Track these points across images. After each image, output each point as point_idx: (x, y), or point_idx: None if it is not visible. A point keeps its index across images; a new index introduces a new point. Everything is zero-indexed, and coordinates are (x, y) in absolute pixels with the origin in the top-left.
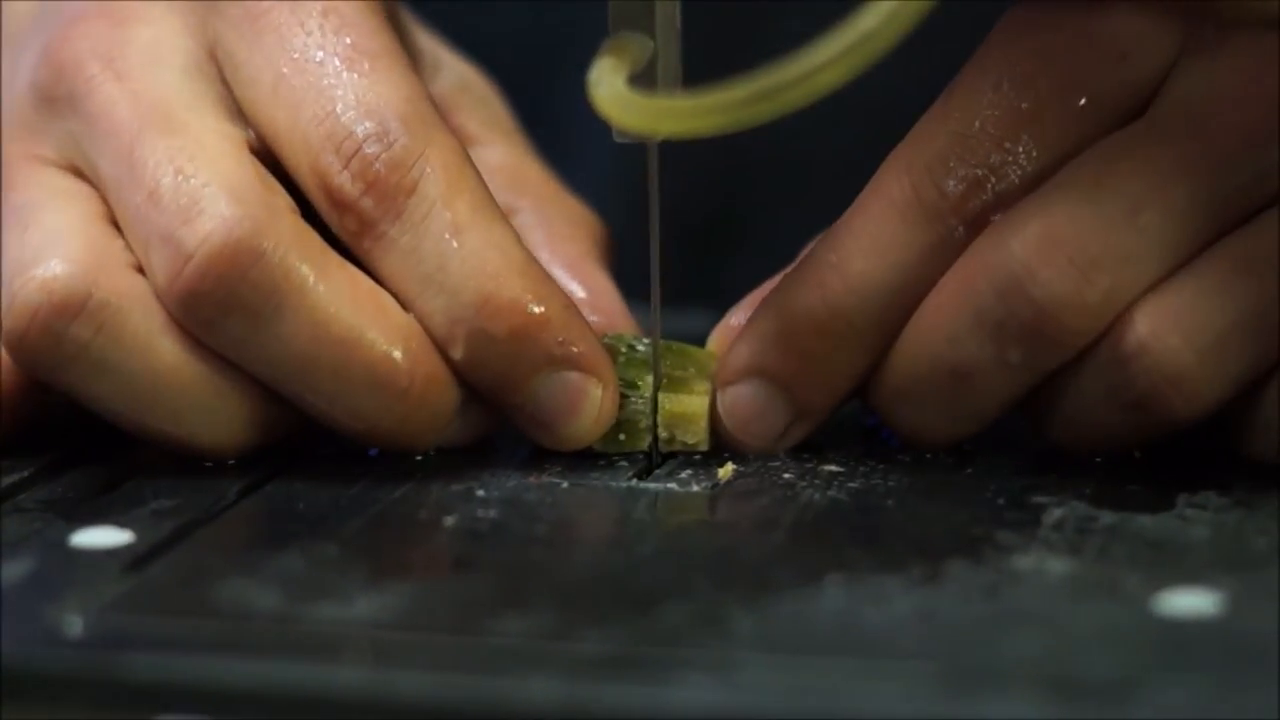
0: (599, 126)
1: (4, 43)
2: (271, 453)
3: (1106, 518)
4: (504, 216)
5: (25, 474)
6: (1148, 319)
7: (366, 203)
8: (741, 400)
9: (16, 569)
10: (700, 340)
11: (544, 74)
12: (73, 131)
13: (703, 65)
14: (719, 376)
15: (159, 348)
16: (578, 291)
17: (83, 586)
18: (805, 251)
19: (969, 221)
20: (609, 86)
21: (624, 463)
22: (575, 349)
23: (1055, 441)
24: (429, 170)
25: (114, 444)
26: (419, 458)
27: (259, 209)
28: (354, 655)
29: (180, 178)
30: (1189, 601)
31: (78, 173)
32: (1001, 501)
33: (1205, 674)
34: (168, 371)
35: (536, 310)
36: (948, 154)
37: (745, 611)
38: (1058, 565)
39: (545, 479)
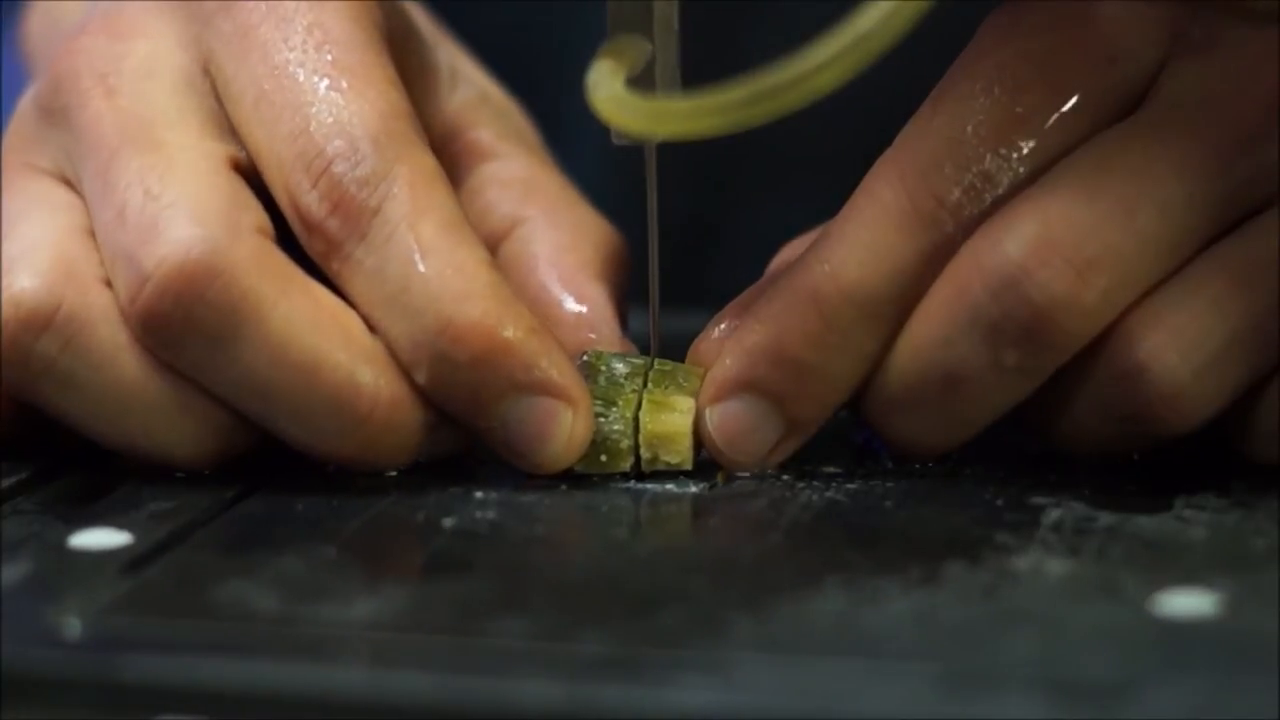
0: (594, 128)
1: (51, 43)
2: (269, 456)
3: (1105, 518)
4: (474, 238)
5: (24, 476)
6: (1145, 337)
7: (332, 223)
8: (731, 416)
9: (15, 571)
10: (684, 342)
11: (539, 75)
12: (64, 144)
13: (700, 67)
14: (706, 393)
15: (124, 362)
16: (571, 305)
17: (81, 588)
18: (780, 256)
19: (964, 227)
20: (607, 88)
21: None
22: (543, 373)
23: (1050, 446)
24: (395, 191)
25: None
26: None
27: (219, 230)
28: (352, 657)
29: (147, 197)
30: (1187, 602)
31: (69, 184)
32: (1000, 502)
33: (1204, 674)
34: (134, 386)
35: (501, 335)
36: (941, 159)
37: (743, 612)
38: (1056, 566)
39: (543, 480)
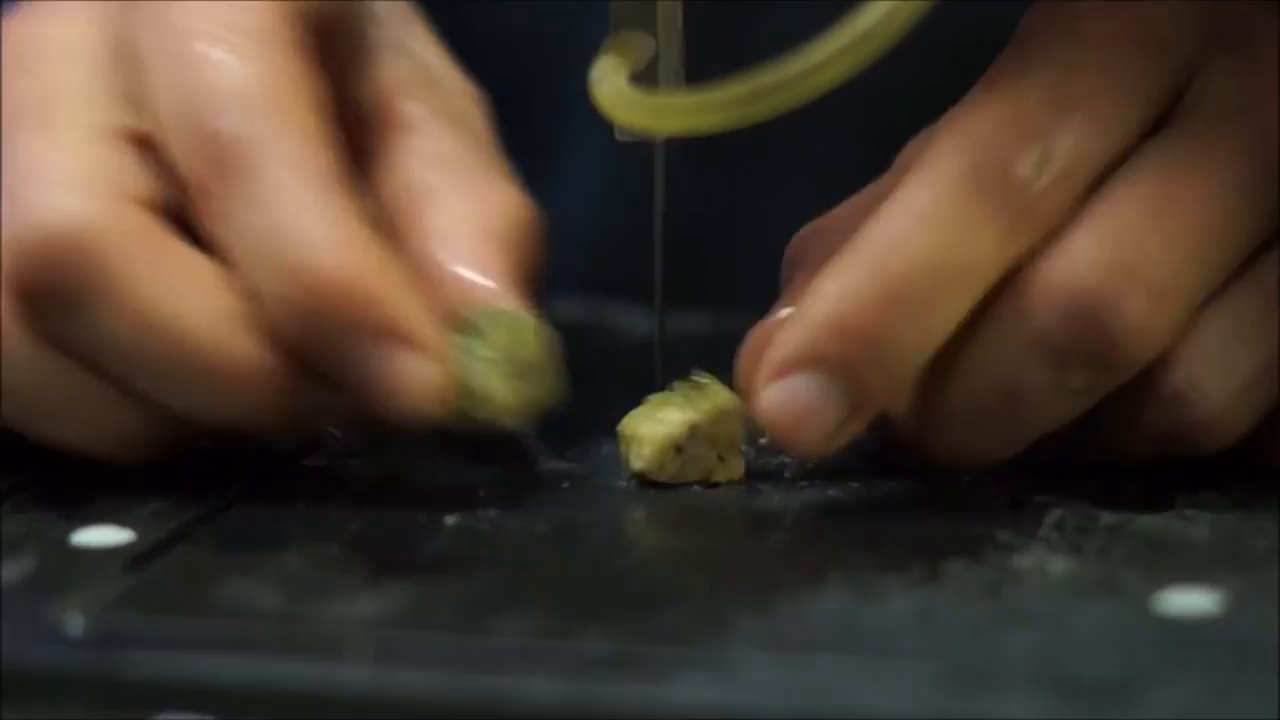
0: (597, 128)
1: None
2: (270, 453)
3: (1107, 517)
4: (350, 197)
5: (26, 473)
6: (1185, 363)
7: (211, 182)
8: (793, 395)
9: (17, 568)
10: (686, 342)
11: (544, 72)
12: None
13: (703, 64)
14: (764, 372)
15: (13, 346)
16: (465, 271)
17: (83, 585)
18: (800, 240)
19: (1030, 199)
20: (611, 84)
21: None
22: (401, 324)
23: (1074, 457)
24: (273, 149)
25: None
26: (418, 454)
27: (94, 200)
28: (355, 654)
29: (28, 170)
30: (1190, 601)
31: None
32: (1002, 500)
33: (1206, 673)
34: (25, 371)
35: (360, 284)
36: (1005, 129)
37: (746, 610)
38: (1058, 564)
39: (545, 479)
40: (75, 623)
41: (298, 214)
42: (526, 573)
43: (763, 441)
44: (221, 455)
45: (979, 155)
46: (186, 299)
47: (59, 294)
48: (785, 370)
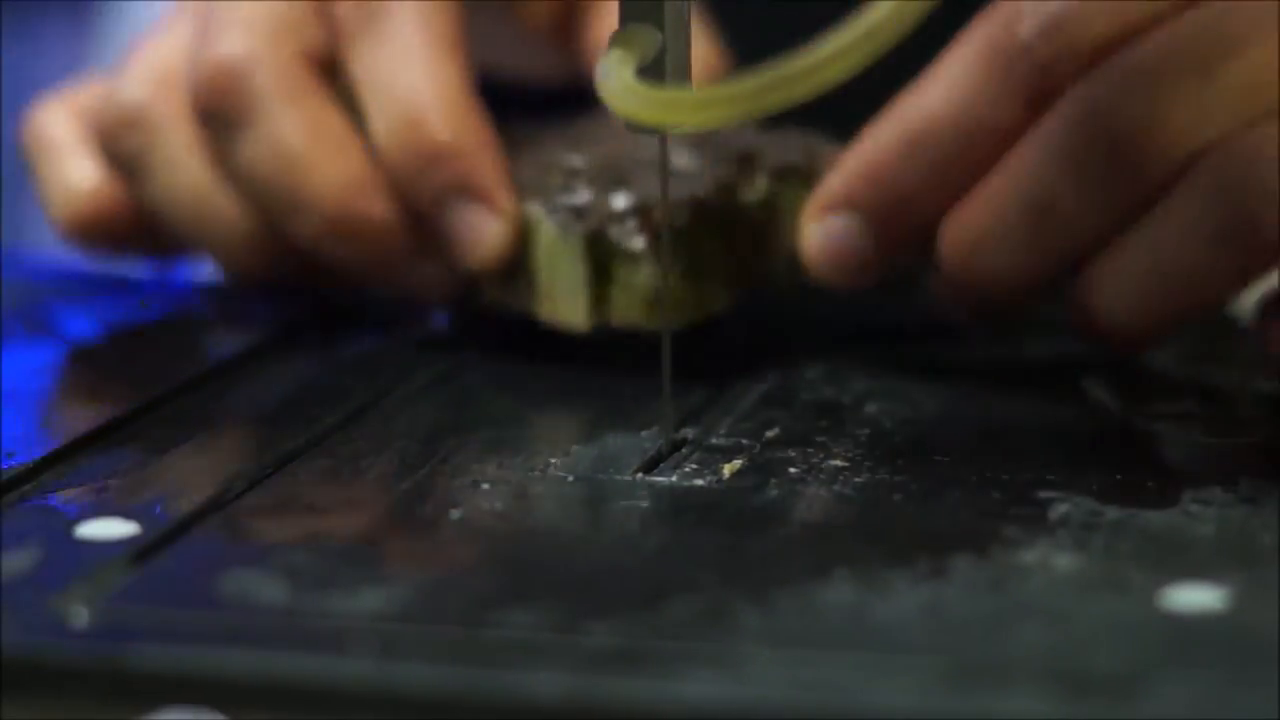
0: None
1: None
2: (273, 446)
3: (1112, 513)
4: (461, 59)
5: (30, 464)
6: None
7: (348, 15)
8: (830, 232)
9: (21, 560)
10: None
11: None
12: None
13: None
14: (807, 212)
15: (189, 156)
16: None
17: (88, 578)
18: None
19: (1042, 66)
20: (618, 79)
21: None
22: (481, 182)
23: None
24: (402, 11)
25: (119, 434)
26: (424, 448)
27: (262, 41)
28: (360, 648)
29: (226, 14)
30: (1195, 597)
31: None
32: (1007, 496)
33: (1212, 669)
34: (193, 179)
35: (457, 144)
36: (1024, 4)
37: (752, 606)
38: (1063, 560)
39: (551, 473)
40: (79, 615)
41: (417, 75)
42: (532, 567)
43: (770, 437)
44: (227, 448)
45: (996, 27)
46: (320, 144)
47: (218, 115)
48: (824, 211)
